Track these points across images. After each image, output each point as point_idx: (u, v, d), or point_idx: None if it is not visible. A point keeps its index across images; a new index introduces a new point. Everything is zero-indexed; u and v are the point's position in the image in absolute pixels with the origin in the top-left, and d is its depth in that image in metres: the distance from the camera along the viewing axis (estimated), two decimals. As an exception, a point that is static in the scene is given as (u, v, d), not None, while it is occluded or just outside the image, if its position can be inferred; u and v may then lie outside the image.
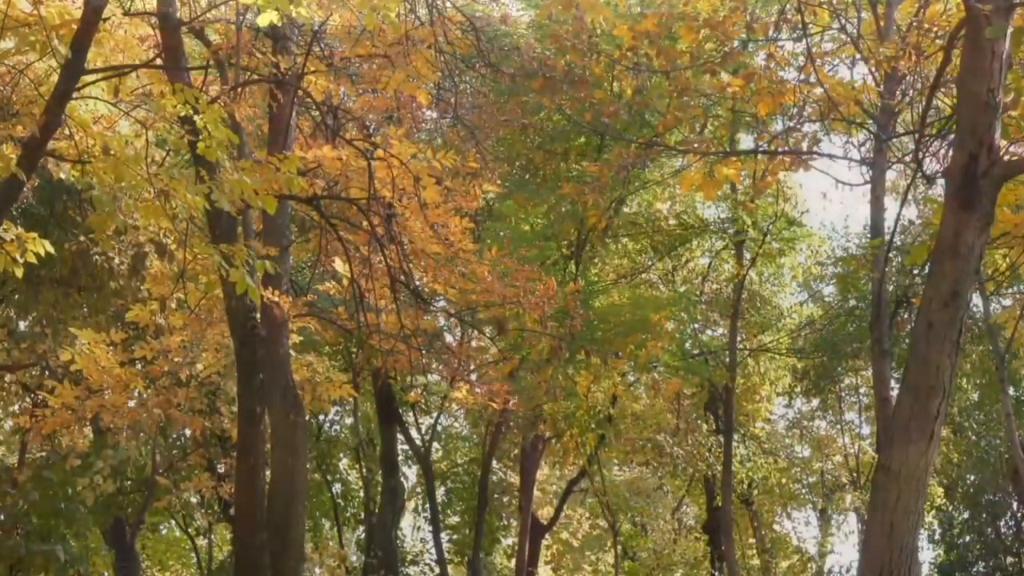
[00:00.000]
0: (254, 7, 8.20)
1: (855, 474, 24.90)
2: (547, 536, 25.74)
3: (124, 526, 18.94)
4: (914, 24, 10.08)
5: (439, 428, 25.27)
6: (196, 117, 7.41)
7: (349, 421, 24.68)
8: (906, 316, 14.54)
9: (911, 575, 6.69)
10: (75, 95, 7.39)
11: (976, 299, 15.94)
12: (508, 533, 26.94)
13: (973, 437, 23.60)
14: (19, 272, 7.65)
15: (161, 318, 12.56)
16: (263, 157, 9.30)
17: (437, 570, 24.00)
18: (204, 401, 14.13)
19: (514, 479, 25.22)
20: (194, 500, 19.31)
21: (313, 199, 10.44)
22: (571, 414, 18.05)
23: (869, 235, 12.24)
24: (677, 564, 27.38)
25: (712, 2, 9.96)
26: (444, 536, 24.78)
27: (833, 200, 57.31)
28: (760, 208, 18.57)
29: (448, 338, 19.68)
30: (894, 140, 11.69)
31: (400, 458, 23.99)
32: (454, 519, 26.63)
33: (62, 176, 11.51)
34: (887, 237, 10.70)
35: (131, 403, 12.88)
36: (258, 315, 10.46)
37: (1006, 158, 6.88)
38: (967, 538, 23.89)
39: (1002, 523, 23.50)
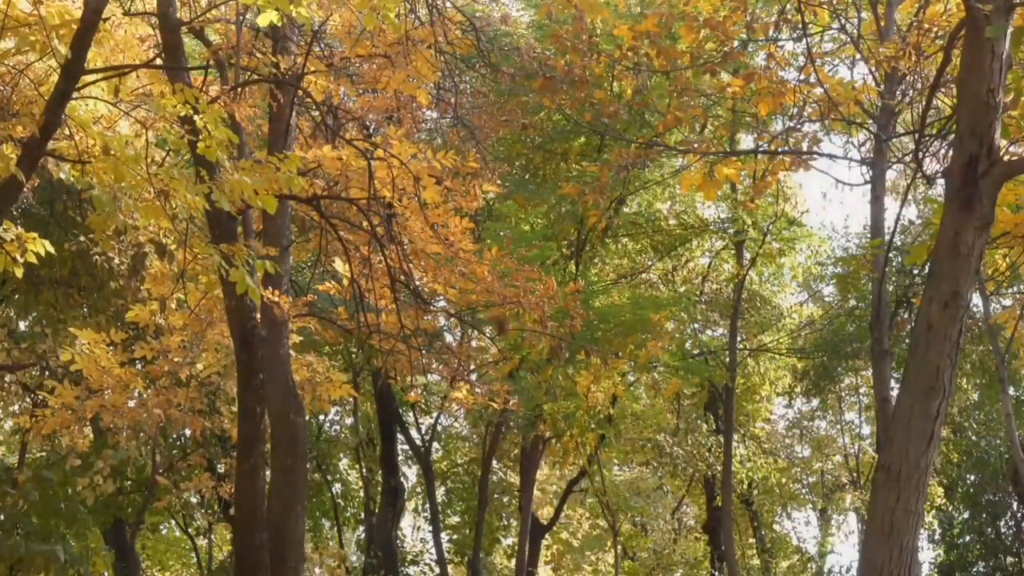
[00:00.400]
0: (254, 7, 8.20)
1: (855, 474, 24.94)
2: (547, 536, 25.75)
3: (124, 526, 18.96)
4: (914, 24, 10.06)
5: (439, 428, 25.28)
6: (196, 117, 7.39)
7: (349, 421, 24.69)
8: (906, 316, 14.55)
9: (911, 575, 6.68)
10: (75, 95, 7.37)
11: (976, 299, 15.91)
12: (508, 533, 26.94)
13: (973, 437, 23.60)
14: (19, 272, 7.62)
15: (161, 318, 12.56)
16: (263, 157, 9.28)
17: (437, 570, 24.01)
18: (204, 401, 14.11)
19: (514, 479, 25.23)
20: (194, 500, 19.32)
21: (313, 199, 10.43)
22: (571, 414, 18.04)
23: (869, 235, 12.23)
24: (677, 564, 27.43)
25: (712, 2, 9.94)
26: (444, 536, 24.78)
27: (833, 200, 57.65)
28: (760, 208, 18.57)
29: (448, 338, 19.68)
30: (894, 140, 11.67)
31: (400, 458, 24.02)
32: (454, 519, 26.63)
33: (62, 176, 11.49)
34: (887, 237, 10.68)
35: (131, 403, 12.85)
36: (258, 315, 10.46)
37: (1006, 158, 6.87)
38: (967, 538, 23.88)
39: (1002, 523, 23.48)
